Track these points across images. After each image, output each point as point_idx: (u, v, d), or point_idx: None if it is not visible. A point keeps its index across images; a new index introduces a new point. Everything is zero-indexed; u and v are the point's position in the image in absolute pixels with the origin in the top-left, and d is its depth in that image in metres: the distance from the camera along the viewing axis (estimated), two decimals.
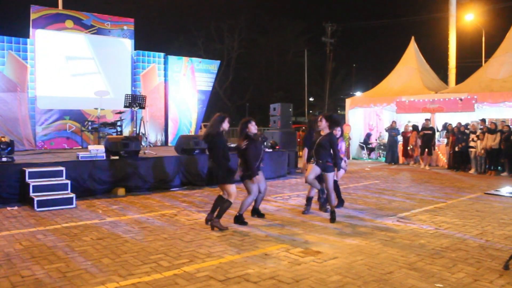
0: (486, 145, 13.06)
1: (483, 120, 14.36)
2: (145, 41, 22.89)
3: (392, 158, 16.36)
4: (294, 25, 43.12)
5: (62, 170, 8.24)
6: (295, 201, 8.48)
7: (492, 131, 13.12)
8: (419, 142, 15.12)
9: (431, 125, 15.00)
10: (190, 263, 4.71)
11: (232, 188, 6.09)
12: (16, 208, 7.47)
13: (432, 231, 6.17)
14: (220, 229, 6.05)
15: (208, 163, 6.33)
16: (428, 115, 15.73)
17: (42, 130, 12.51)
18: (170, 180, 9.83)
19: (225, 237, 5.74)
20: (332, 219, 6.65)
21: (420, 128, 15.26)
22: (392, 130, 16.33)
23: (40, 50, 12.50)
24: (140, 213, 7.22)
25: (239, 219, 6.42)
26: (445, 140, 15.23)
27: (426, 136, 14.72)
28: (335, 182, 8.20)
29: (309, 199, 7.44)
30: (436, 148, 15.57)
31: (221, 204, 6.12)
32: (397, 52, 19.34)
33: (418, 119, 16.26)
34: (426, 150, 14.74)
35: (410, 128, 15.88)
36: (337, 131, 7.88)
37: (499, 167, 13.43)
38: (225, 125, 6.13)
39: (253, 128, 6.40)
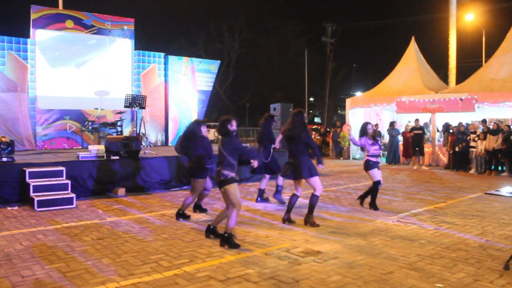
0: (488, 146, 13.06)
1: (484, 121, 14.35)
2: (145, 41, 22.95)
3: (392, 158, 16.36)
4: (294, 25, 43.08)
5: (62, 170, 8.25)
6: None
7: (493, 131, 13.10)
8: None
9: (420, 125, 15.16)
10: (190, 263, 4.71)
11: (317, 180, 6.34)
12: (16, 208, 7.48)
13: (432, 231, 6.17)
14: (312, 225, 6.32)
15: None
16: (420, 115, 15.76)
17: (42, 130, 12.52)
18: (170, 180, 9.84)
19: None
20: (222, 243, 5.30)
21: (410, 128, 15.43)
22: (392, 130, 16.32)
23: (40, 50, 12.50)
24: (140, 213, 7.22)
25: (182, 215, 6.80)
26: (442, 139, 15.25)
27: (417, 136, 14.76)
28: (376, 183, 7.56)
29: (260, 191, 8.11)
30: (437, 148, 15.56)
31: (310, 200, 6.40)
32: (397, 52, 19.38)
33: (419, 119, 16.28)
34: (417, 149, 14.85)
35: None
36: (370, 130, 7.45)
37: (499, 167, 13.42)
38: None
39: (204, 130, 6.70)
